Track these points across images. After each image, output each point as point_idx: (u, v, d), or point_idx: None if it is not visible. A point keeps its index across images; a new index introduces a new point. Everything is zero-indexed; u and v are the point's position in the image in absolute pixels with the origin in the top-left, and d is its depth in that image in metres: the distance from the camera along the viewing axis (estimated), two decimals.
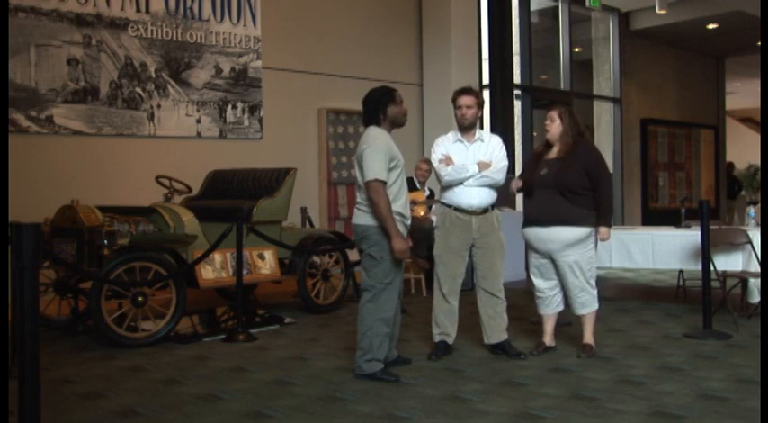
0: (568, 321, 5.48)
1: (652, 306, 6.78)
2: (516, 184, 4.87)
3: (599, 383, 4.11)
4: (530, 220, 4.79)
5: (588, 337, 4.84)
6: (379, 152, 4.12)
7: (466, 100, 4.71)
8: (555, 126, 4.74)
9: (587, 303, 4.77)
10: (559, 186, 4.63)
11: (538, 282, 4.90)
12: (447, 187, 4.76)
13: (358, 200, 4.31)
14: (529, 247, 4.89)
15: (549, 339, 4.94)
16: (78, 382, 4.25)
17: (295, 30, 8.59)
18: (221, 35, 7.95)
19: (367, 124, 4.35)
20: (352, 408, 3.71)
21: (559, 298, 4.91)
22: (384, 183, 4.12)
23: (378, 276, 4.21)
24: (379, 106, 4.28)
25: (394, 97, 4.33)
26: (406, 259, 4.30)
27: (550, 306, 4.91)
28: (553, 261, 4.76)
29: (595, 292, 4.80)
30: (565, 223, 4.62)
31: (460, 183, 4.68)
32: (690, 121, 14.77)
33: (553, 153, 4.77)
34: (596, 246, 4.80)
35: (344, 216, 8.77)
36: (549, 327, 4.95)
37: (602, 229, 4.68)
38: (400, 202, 4.24)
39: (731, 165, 15.82)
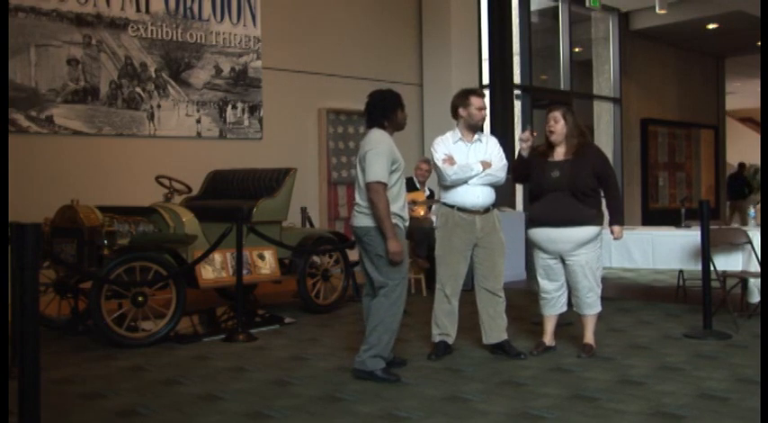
0: (569, 321, 5.48)
1: (652, 306, 6.78)
2: (526, 136, 4.82)
3: (599, 383, 4.11)
4: (539, 221, 4.77)
5: (589, 337, 4.85)
6: (381, 155, 4.17)
7: (479, 102, 4.77)
8: (560, 126, 4.73)
9: (594, 304, 4.79)
10: (573, 188, 4.64)
11: (544, 283, 4.90)
12: (449, 187, 4.77)
13: (358, 202, 4.32)
14: (536, 249, 4.88)
15: (549, 339, 4.94)
16: (78, 382, 4.25)
17: (295, 30, 8.59)
18: (221, 35, 7.95)
19: (371, 126, 4.38)
20: (352, 408, 3.71)
21: (564, 299, 4.92)
22: (385, 185, 4.16)
23: (392, 273, 4.24)
24: (390, 110, 4.34)
25: (402, 102, 4.41)
26: (406, 259, 4.32)
27: (555, 307, 4.91)
28: (563, 261, 4.76)
29: (600, 292, 4.81)
30: (577, 223, 4.64)
31: (464, 182, 4.69)
32: (690, 121, 14.77)
33: (559, 154, 4.76)
34: (601, 246, 4.83)
35: (344, 216, 8.76)
36: (549, 327, 4.95)
37: (616, 228, 4.77)
38: (399, 203, 4.28)
39: (743, 165, 15.85)
